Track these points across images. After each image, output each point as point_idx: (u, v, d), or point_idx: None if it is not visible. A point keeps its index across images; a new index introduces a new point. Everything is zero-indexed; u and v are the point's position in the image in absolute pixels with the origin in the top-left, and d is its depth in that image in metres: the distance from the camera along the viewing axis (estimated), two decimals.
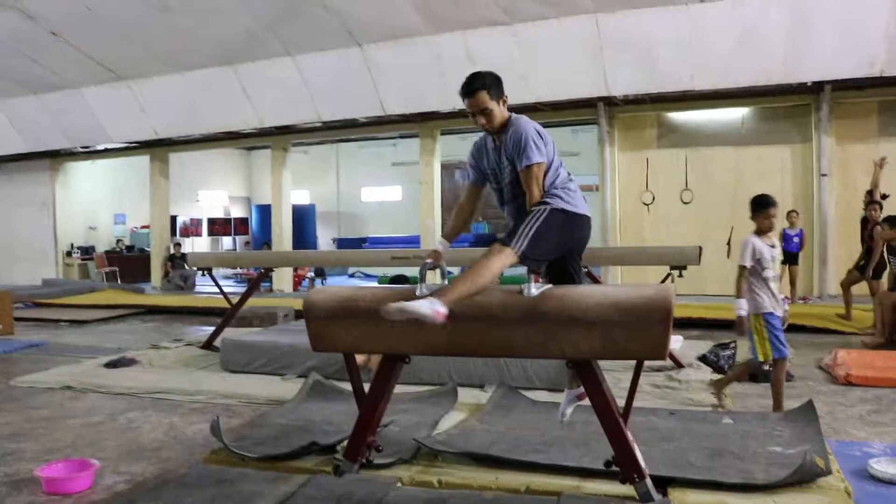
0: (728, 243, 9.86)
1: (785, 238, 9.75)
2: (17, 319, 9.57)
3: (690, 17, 9.38)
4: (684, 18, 9.41)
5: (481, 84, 3.24)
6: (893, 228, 7.23)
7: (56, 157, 16.26)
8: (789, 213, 9.84)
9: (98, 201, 18.08)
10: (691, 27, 9.45)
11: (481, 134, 3.51)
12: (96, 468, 3.53)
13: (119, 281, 16.10)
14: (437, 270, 3.42)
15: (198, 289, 14.79)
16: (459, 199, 3.63)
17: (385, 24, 10.44)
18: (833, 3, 8.91)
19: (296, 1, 10.14)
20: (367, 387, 3.45)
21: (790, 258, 9.74)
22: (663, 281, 6.02)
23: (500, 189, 3.44)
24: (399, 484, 3.27)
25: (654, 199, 11.81)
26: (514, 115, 3.35)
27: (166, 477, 3.45)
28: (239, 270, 16.87)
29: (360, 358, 4.37)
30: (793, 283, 9.81)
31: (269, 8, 10.42)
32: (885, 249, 7.51)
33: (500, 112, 3.28)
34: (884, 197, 8.20)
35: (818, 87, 10.40)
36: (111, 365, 6.49)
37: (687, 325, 8.01)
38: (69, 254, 16.85)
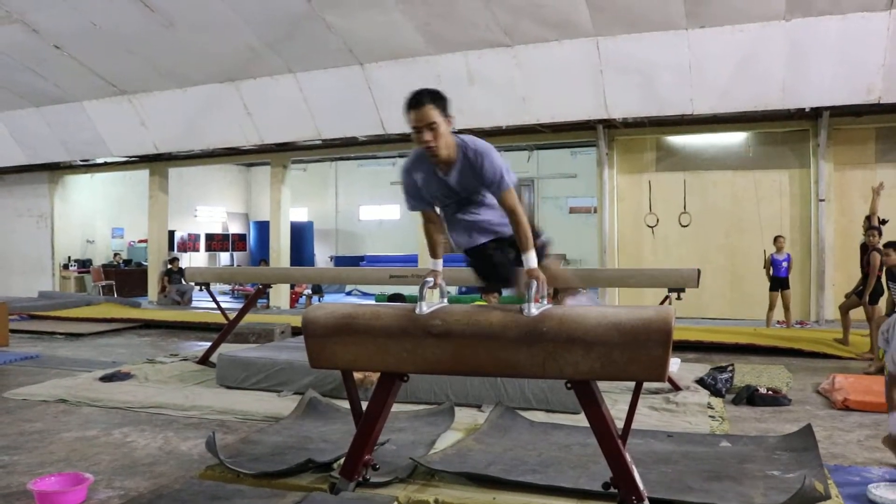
0: (765, 267, 9.92)
1: (774, 264, 9.78)
2: (13, 331, 9.54)
3: (690, 42, 9.46)
4: (684, 43, 9.49)
5: (429, 98, 3.15)
6: None
7: (55, 170, 16.30)
8: (776, 238, 9.88)
9: (96, 215, 18.07)
10: (691, 52, 9.52)
11: (408, 159, 3.40)
12: (90, 482, 3.50)
13: (115, 295, 16.06)
14: (437, 289, 3.44)
15: (194, 304, 14.76)
16: (425, 226, 3.53)
17: (387, 44, 10.51)
18: (831, 31, 8.99)
19: (298, 19, 10.21)
20: (364, 405, 3.44)
21: (781, 283, 9.76)
22: (662, 303, 6.02)
23: (449, 205, 3.44)
24: (395, 503, 3.25)
25: (658, 221, 11.83)
26: (463, 137, 3.29)
27: (161, 492, 3.42)
28: (236, 286, 16.85)
29: (357, 375, 4.36)
30: (786, 307, 9.83)
31: (271, 26, 10.49)
32: (884, 275, 7.50)
33: (446, 131, 3.19)
34: (882, 222, 8.23)
35: (816, 112, 10.49)
36: (106, 379, 6.46)
37: (684, 347, 8.00)
38: (66, 266, 16.82)
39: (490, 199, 3.40)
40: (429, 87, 3.23)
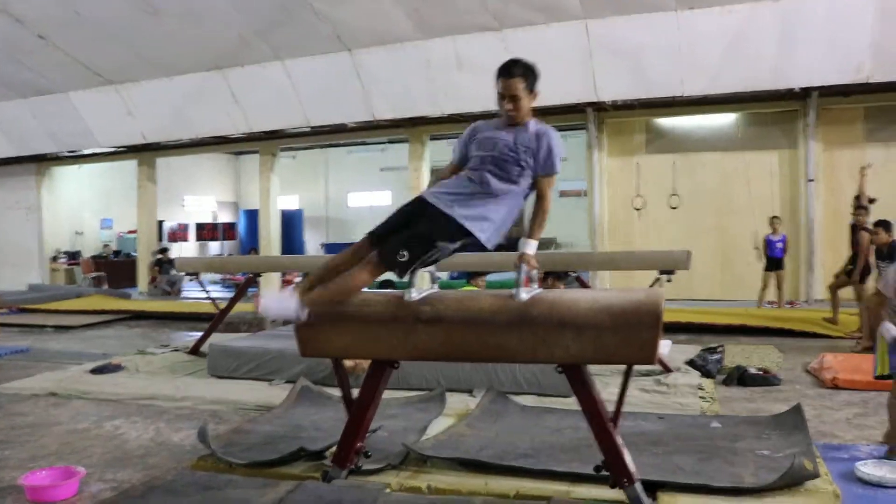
0: (756, 248, 9.95)
1: (769, 244, 9.83)
2: (2, 325, 9.52)
3: (679, 24, 9.44)
4: (673, 25, 9.46)
5: (522, 71, 3.22)
6: (888, 232, 7.23)
7: (43, 161, 16.16)
8: (772, 219, 9.92)
9: (85, 206, 17.98)
10: (680, 33, 9.50)
11: (484, 121, 3.44)
12: (82, 475, 3.49)
13: (106, 286, 15.97)
14: (426, 275, 3.42)
15: (185, 294, 14.72)
16: (442, 173, 3.44)
17: (375, 30, 10.44)
18: (820, 11, 8.99)
19: (286, 6, 10.13)
20: (355, 392, 3.43)
21: (775, 264, 9.81)
22: (651, 285, 6.03)
23: (490, 157, 3.25)
24: (388, 490, 3.25)
25: (645, 203, 11.85)
26: (538, 121, 3.34)
27: (153, 484, 3.41)
28: (227, 275, 16.80)
29: (348, 363, 4.36)
30: (780, 287, 9.88)
31: (259, 13, 10.40)
32: (872, 254, 7.53)
33: (527, 105, 3.27)
34: (871, 201, 8.26)
35: (805, 93, 10.49)
36: (97, 371, 6.44)
37: (675, 329, 8.02)
38: (55, 259, 16.74)
39: (512, 192, 3.26)
40: (523, 60, 3.27)
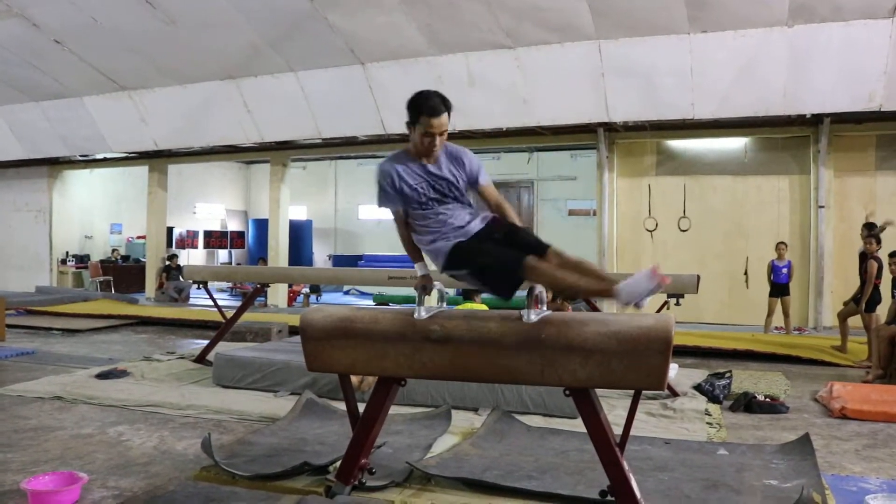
0: (745, 273, 9.90)
1: (774, 270, 9.81)
2: (9, 326, 9.51)
3: (692, 47, 9.45)
4: (685, 47, 9.48)
5: (448, 106, 3.21)
6: None
7: (54, 165, 16.24)
8: (778, 245, 9.91)
9: (95, 210, 18.04)
10: (692, 56, 9.51)
11: (389, 158, 3.37)
12: (84, 482, 3.48)
13: (113, 291, 16.01)
14: (435, 293, 3.43)
15: (192, 301, 14.73)
16: (401, 231, 3.44)
17: (388, 44, 10.49)
18: (833, 38, 8.99)
19: (300, 18, 10.19)
20: (360, 407, 3.42)
21: (781, 290, 9.78)
22: (660, 309, 6.01)
23: (430, 199, 3.34)
24: None
25: (657, 225, 11.83)
26: None
27: (155, 493, 3.40)
28: (235, 284, 16.81)
29: (354, 379, 4.35)
30: (786, 313, 9.84)
31: (272, 24, 10.47)
32: (892, 283, 7.42)
33: None
34: (883, 228, 8.21)
35: (817, 119, 10.48)
36: (102, 376, 6.44)
37: (682, 353, 7.99)
38: (64, 262, 16.78)
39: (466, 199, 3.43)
40: (439, 92, 3.25)
